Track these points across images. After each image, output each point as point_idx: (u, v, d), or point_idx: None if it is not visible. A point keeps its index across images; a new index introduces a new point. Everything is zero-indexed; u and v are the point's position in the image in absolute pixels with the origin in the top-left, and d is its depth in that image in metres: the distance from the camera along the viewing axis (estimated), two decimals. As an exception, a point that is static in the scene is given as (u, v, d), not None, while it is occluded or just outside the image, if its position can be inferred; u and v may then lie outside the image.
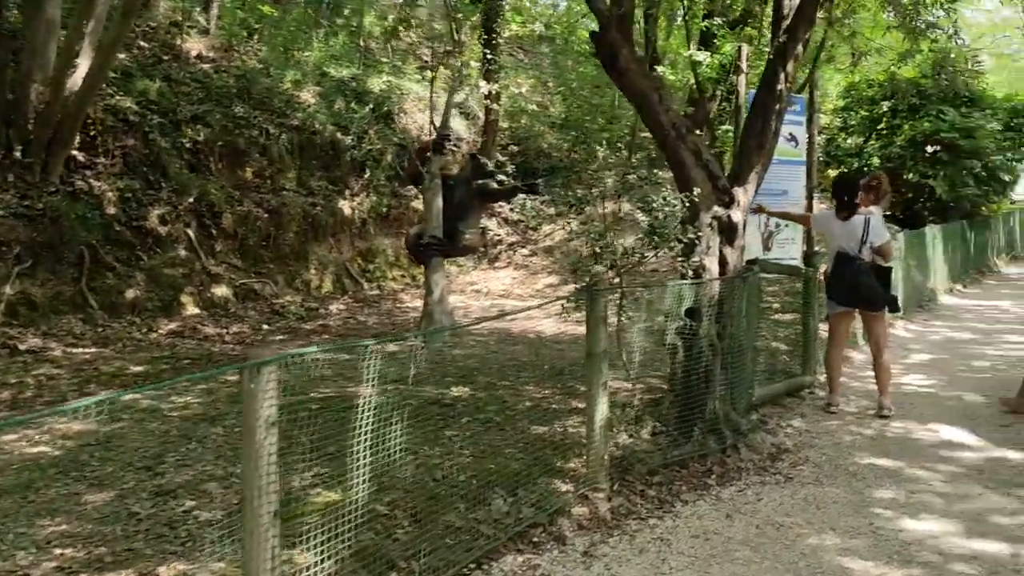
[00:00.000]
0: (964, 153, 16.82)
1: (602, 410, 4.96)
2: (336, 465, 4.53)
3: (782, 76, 5.98)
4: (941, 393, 8.15)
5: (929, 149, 17.36)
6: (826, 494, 5.35)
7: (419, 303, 12.74)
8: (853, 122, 20.10)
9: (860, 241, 7.18)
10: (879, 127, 19.56)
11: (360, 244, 14.16)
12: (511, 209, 16.80)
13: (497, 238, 16.16)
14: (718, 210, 5.91)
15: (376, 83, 17.04)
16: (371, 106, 15.99)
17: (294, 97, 15.01)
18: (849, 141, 21.14)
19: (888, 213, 19.40)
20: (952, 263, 16.16)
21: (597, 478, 4.98)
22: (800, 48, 6.05)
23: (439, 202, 9.95)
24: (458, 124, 17.86)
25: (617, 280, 5.73)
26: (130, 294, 10.59)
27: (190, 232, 11.67)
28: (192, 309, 11.14)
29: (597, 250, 5.68)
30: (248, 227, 12.36)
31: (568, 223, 6.41)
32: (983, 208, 18.39)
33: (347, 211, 13.94)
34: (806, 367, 8.22)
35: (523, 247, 16.03)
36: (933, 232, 14.59)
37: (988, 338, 11.25)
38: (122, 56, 13.11)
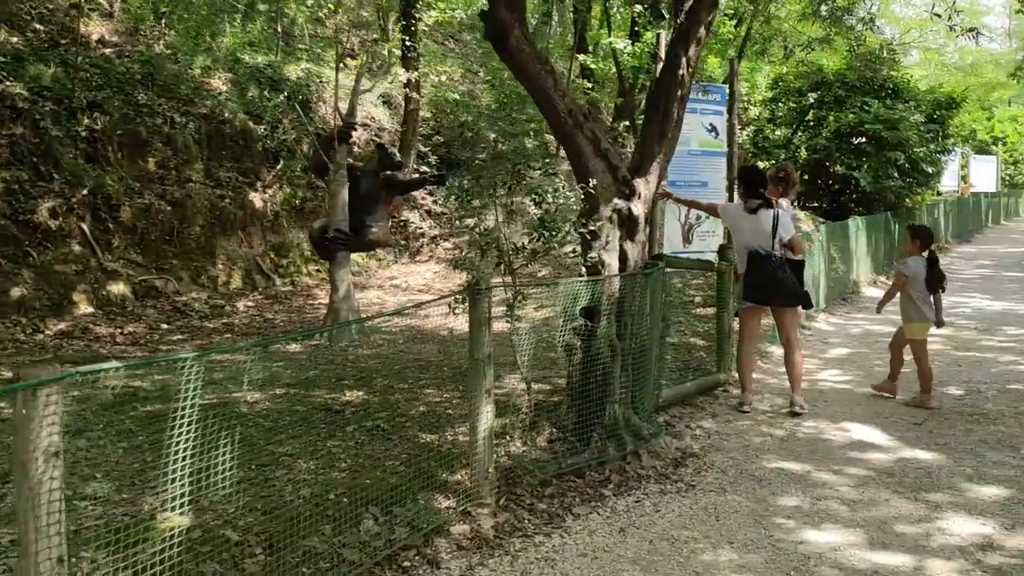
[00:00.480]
0: (888, 145, 16.85)
1: (486, 419, 4.59)
2: (187, 485, 4.08)
3: (684, 60, 5.65)
4: (856, 390, 7.97)
5: (854, 141, 17.35)
6: (728, 503, 5.06)
7: (332, 299, 12.28)
8: (781, 113, 20.06)
9: (771, 236, 6.94)
10: (806, 119, 19.55)
11: (272, 238, 13.57)
12: (434, 201, 16.35)
13: (420, 231, 15.70)
14: (618, 203, 5.58)
15: (294, 70, 16.43)
16: (286, 94, 15.36)
17: (204, 84, 14.33)
18: (778, 133, 21.13)
19: (815, 204, 19.47)
20: (876, 255, 16.18)
21: (481, 492, 4.61)
22: (703, 31, 5.73)
23: (344, 194, 9.49)
24: (380, 114, 17.38)
25: (508, 278, 5.35)
26: (15, 292, 9.90)
27: (84, 226, 10.99)
28: (86, 308, 10.48)
29: (483, 246, 5.29)
30: (149, 221, 11.71)
31: (465, 218, 5.92)
32: (907, 200, 18.47)
33: (258, 203, 13.36)
34: (721, 364, 7.97)
35: (446, 240, 15.59)
36: (856, 224, 14.54)
37: (908, 331, 11.16)
38: (14, 40, 12.36)
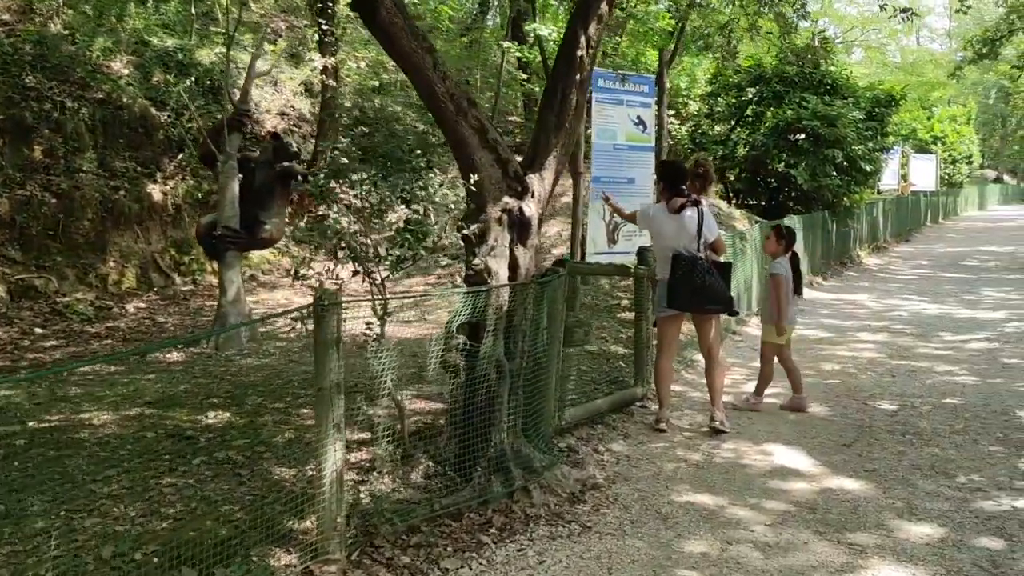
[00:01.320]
0: (826, 142, 16.41)
1: (334, 459, 3.83)
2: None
3: (583, 40, 4.94)
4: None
5: (792, 138, 16.90)
6: (626, 550, 4.38)
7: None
8: (719, 109, 19.57)
9: (696, 237, 6.29)
10: (745, 114, 19.09)
11: (173, 233, 12.60)
12: (355, 195, 15.44)
13: (339, 226, 14.79)
14: (508, 201, 4.86)
15: (207, 54, 15.45)
16: (194, 79, 14.39)
17: (103, 67, 13.31)
18: (717, 128, 20.65)
19: (753, 203, 18.99)
20: (813, 255, 15.72)
21: (328, 546, 3.86)
22: (605, 7, 5.03)
23: (234, 187, 8.66)
24: (301, 103, 16.47)
25: (370, 289, 4.61)
26: None
27: (-48, 220, 9.98)
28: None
29: (340, 251, 4.56)
30: (31, 214, 10.71)
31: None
32: (845, 198, 18.07)
33: (157, 196, 12.38)
34: (639, 377, 7.31)
35: (365, 236, 14.71)
36: (793, 223, 14.01)
37: (841, 336, 10.66)
38: None
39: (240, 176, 9.05)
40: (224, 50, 15.87)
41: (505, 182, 4.87)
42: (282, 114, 15.68)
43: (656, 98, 10.53)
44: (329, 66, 13.83)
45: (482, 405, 4.73)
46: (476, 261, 4.79)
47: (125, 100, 12.80)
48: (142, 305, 10.93)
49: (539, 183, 4.92)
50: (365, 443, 5.10)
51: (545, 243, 13.64)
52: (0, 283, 10.10)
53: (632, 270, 6.93)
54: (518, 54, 12.95)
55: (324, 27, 13.62)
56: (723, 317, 7.08)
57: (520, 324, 4.86)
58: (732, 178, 18.95)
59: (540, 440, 5.25)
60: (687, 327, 7.81)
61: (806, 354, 9.44)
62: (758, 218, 16.00)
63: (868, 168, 17.84)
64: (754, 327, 11.16)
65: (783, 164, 16.75)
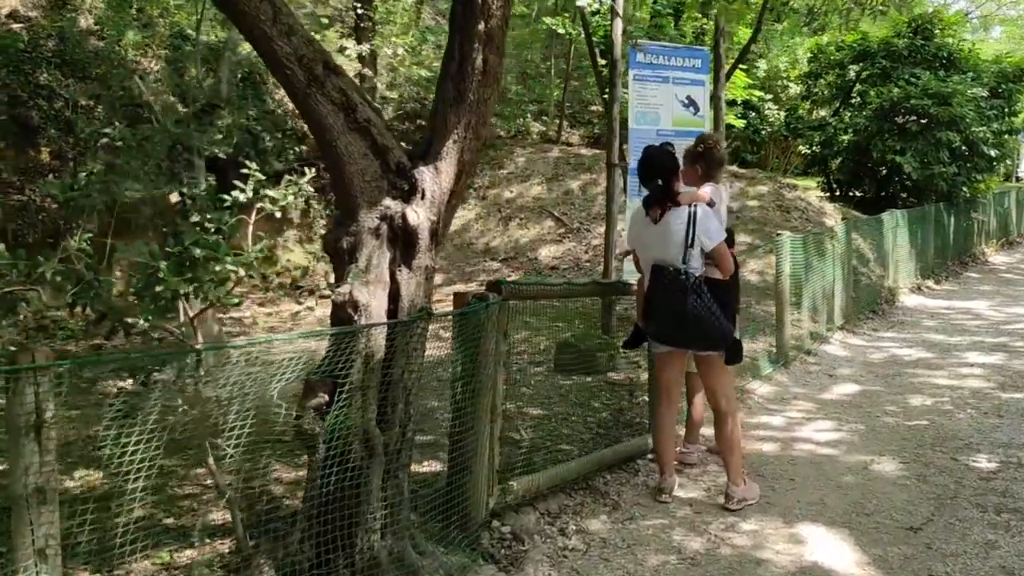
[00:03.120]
0: (939, 124, 14.21)
1: (37, 603, 2.53)
2: None
3: (491, -29, 3.49)
4: (844, 458, 5.70)
5: (899, 120, 14.76)
6: None
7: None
8: (817, 90, 17.50)
9: (684, 245, 4.68)
10: (850, 96, 16.98)
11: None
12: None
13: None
14: (389, 205, 3.46)
15: (249, 48, 14.56)
16: (239, 75, 13.51)
17: (130, 63, 12.57)
18: (822, 113, 18.59)
19: (856, 195, 16.80)
20: (923, 254, 13.57)
21: None
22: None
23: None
24: None
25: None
26: None
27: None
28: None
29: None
30: (26, 220, 9.97)
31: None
32: (965, 188, 15.71)
33: (174, 199, 11.50)
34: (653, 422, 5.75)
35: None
36: (894, 218, 12.02)
37: (943, 357, 8.73)
38: None
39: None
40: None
41: (386, 179, 3.47)
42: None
43: (711, 74, 8.86)
44: (366, 54, 12.68)
45: (347, 493, 3.34)
46: (339, 289, 3.41)
47: (146, 98, 11.96)
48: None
49: (432, 179, 3.49)
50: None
51: (583, 251, 12.14)
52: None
53: (628, 287, 5.38)
54: (559, 28, 11.45)
55: (360, 10, 12.48)
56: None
57: (403, 379, 3.45)
58: (833, 167, 16.89)
59: (458, 531, 3.83)
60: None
61: (892, 383, 7.65)
62: (856, 213, 13.98)
63: (992, 153, 15.45)
64: (836, 344, 9.36)
65: (886, 151, 14.62)
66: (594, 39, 10.69)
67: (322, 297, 11.71)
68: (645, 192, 4.82)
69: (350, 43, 12.99)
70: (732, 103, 17.91)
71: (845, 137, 15.98)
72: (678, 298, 4.56)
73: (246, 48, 14.67)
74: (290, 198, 4.17)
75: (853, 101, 16.90)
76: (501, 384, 4.19)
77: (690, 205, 4.63)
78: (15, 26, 12.02)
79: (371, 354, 3.37)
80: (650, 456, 5.57)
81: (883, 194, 16.04)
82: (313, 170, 5.37)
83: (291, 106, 14.31)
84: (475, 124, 3.54)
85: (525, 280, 4.06)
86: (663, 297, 4.60)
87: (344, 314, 3.39)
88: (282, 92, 14.51)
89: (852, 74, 16.63)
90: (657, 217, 4.62)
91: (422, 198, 3.46)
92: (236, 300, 3.63)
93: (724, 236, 4.85)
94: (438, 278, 12.26)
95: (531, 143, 15.71)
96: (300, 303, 11.30)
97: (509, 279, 5.98)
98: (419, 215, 3.43)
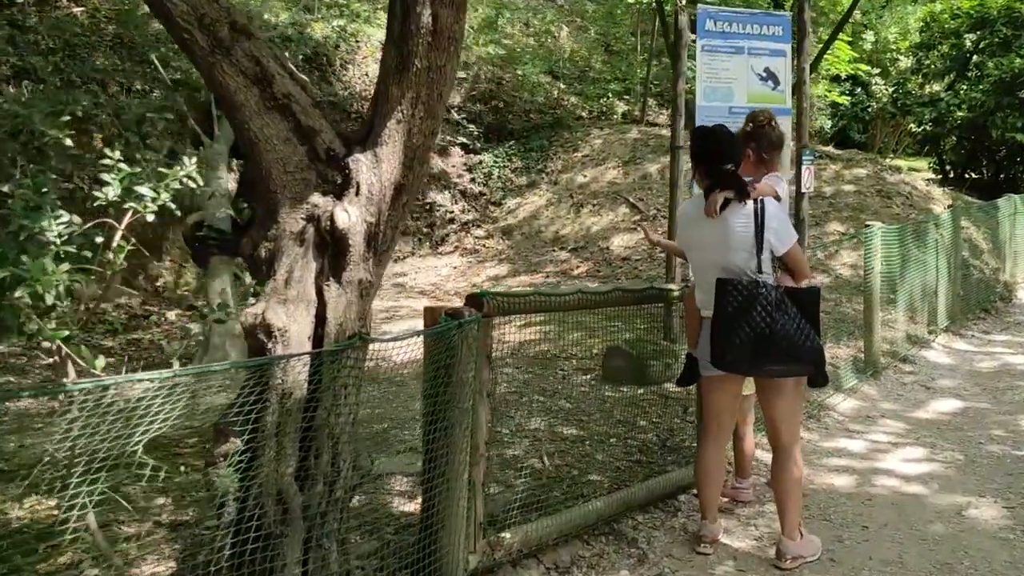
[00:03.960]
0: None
1: None
2: None
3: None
4: (934, 498, 4.74)
5: (1022, 95, 13.24)
6: None
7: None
8: (928, 62, 15.97)
9: (753, 251, 3.82)
10: (967, 68, 15.42)
11: (249, 227, 11.29)
12: (472, 179, 13.62)
13: (449, 215, 13.03)
14: (317, 203, 2.74)
15: (320, 29, 14.12)
16: (299, 56, 13.08)
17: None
18: (935, 87, 17.03)
19: (974, 176, 15.25)
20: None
21: None
22: None
23: (222, 177, 7.00)
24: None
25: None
26: None
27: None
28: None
29: None
30: (74, 209, 9.65)
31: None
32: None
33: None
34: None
35: (478, 227, 12.86)
36: (1012, 204, 10.66)
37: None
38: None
39: (239, 165, 7.43)
40: (339, 23, 14.56)
41: (313, 169, 2.76)
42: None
43: (795, 43, 7.82)
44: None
45: (257, 568, 2.65)
46: (250, 309, 2.71)
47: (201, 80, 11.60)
48: (187, 314, 9.62)
49: (370, 169, 2.75)
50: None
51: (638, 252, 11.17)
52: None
53: (666, 293, 4.51)
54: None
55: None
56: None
57: (329, 423, 2.73)
58: (946, 147, 15.40)
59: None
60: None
61: (1002, 398, 6.60)
62: (969, 198, 12.58)
63: None
64: (938, 349, 8.23)
65: (1009, 128, 13.13)
66: (666, 8, 9.72)
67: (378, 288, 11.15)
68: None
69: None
70: (836, 79, 16.57)
71: (960, 114, 14.50)
72: (763, 316, 3.68)
73: (316, 29, 14.27)
74: (166, 195, 3.46)
75: (969, 74, 15.36)
76: (484, 420, 3.43)
77: (756, 200, 3.77)
78: (76, 10, 11.81)
79: (288, 392, 2.67)
80: (694, 491, 4.72)
81: (1002, 177, 14.52)
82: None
83: (359, 88, 13.83)
84: (426, 99, 2.77)
85: (515, 292, 3.22)
86: (740, 317, 3.71)
87: (255, 341, 2.69)
88: (351, 73, 14.03)
89: (969, 44, 15.10)
90: (715, 208, 3.75)
91: (356, 193, 2.73)
92: (65, 334, 2.96)
93: (796, 237, 3.98)
94: (502, 268, 11.55)
95: (611, 124, 14.78)
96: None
97: (542, 282, 5.19)
98: (351, 215, 2.69)
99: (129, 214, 3.35)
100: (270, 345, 2.67)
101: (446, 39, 2.73)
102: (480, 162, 13.73)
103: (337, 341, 2.71)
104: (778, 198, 4.04)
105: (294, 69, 2.79)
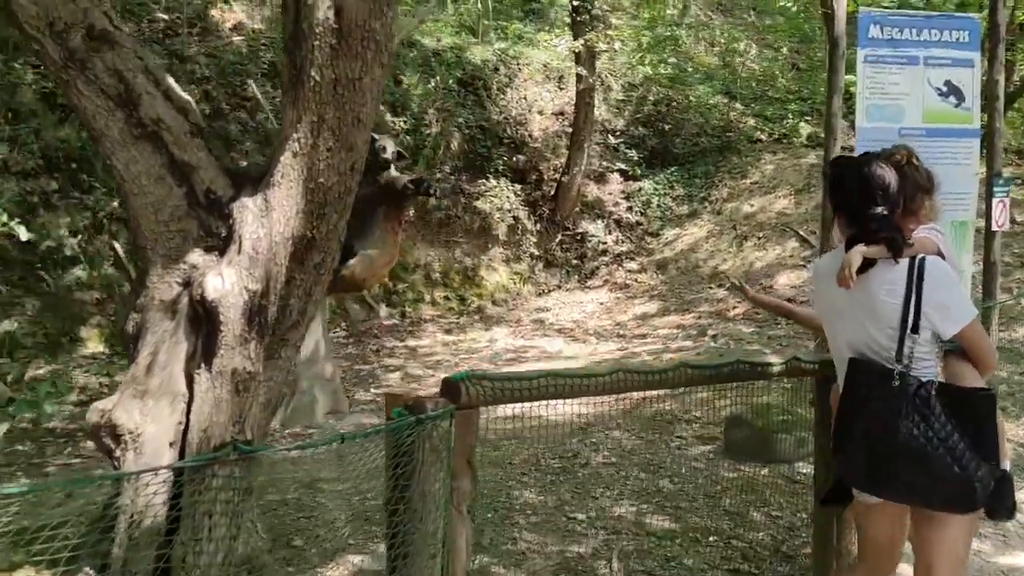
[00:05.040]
0: None
1: None
2: None
3: None
4: None
5: None
6: None
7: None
8: None
9: (899, 329, 2.75)
10: None
11: (388, 257, 10.96)
12: (629, 208, 12.70)
13: (602, 246, 12.17)
14: (196, 262, 2.05)
15: (480, 53, 13.72)
16: (451, 80, 12.72)
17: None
18: None
19: None
20: None
21: None
22: None
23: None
24: (544, 97, 13.86)
25: None
26: (5, 326, 8.27)
27: (117, 244, 9.15)
28: (95, 347, 8.63)
29: None
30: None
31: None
32: None
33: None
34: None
35: (632, 259, 11.92)
36: None
37: None
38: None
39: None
40: (501, 46, 14.10)
41: (194, 216, 2.07)
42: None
43: (986, 52, 6.47)
44: (581, 50, 11.24)
45: None
46: (97, 404, 2.05)
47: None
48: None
49: (257, 219, 2.02)
50: None
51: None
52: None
53: (763, 369, 3.47)
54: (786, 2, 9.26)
55: (576, 1, 11.11)
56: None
57: (184, 565, 2.01)
58: None
59: None
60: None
61: None
62: None
63: None
64: None
65: None
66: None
67: (517, 324, 10.48)
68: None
69: (563, 38, 11.69)
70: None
71: None
72: (892, 418, 2.67)
73: (474, 53, 13.88)
74: None
75: None
76: (464, 542, 2.61)
77: (911, 255, 2.76)
78: (236, 39, 11.99)
79: (140, 518, 1.97)
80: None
81: None
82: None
83: (515, 112, 13.29)
84: (334, 123, 2.01)
85: (512, 375, 2.40)
86: (862, 416, 2.73)
87: (100, 445, 2.02)
88: (508, 96, 13.51)
89: None
90: (849, 280, 2.75)
91: (239, 251, 2.00)
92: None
93: (976, 313, 2.86)
94: (652, 306, 10.59)
95: (788, 147, 13.43)
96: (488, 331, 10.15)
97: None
98: (225, 281, 1.98)
99: None
100: (118, 452, 2.00)
101: (359, 41, 1.97)
102: (639, 189, 12.81)
103: (199, 452, 1.99)
104: (942, 256, 2.98)
105: (174, 86, 2.11)
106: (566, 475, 5.18)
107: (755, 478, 5.12)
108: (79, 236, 8.96)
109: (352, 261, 6.52)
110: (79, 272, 8.96)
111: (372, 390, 7.79)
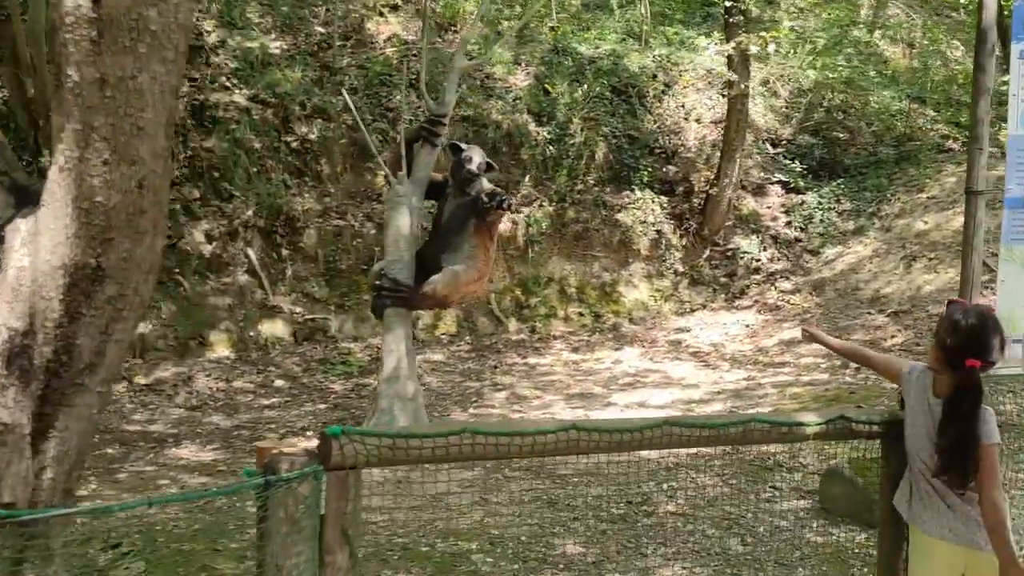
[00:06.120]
0: None
1: None
2: None
3: None
4: None
5: None
6: None
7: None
8: None
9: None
10: None
11: (521, 269, 10.65)
12: (788, 223, 11.74)
13: (755, 264, 11.31)
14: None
15: (639, 59, 13.20)
16: (604, 87, 12.30)
17: (500, 82, 12.06)
18: None
19: None
20: None
21: None
22: None
23: (401, 222, 6.31)
24: (699, 103, 13.00)
25: None
26: (140, 329, 8.64)
27: (251, 252, 9.41)
28: (223, 351, 8.86)
29: None
30: (339, 246, 9.75)
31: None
32: None
33: (505, 224, 10.57)
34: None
35: (786, 279, 10.98)
36: None
37: None
38: (277, 44, 11.33)
39: (432, 206, 6.77)
40: (660, 52, 13.50)
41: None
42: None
43: None
44: (733, 54, 10.48)
45: None
46: None
47: (498, 116, 11.27)
48: (435, 357, 9.18)
49: (25, 243, 1.73)
50: None
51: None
52: (287, 323, 9.24)
53: (782, 430, 2.85)
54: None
55: (729, 1, 10.37)
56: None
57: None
58: None
59: None
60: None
61: None
62: None
63: None
64: None
65: None
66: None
67: (651, 344, 9.88)
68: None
69: (712, 42, 10.94)
70: None
71: None
72: None
73: (632, 60, 13.35)
74: None
75: None
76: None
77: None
78: (390, 51, 12.12)
79: None
80: None
81: None
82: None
83: (670, 121, 12.67)
84: (108, 132, 1.67)
85: (405, 431, 1.98)
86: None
87: None
88: (665, 104, 12.88)
89: None
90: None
91: (2, 282, 1.72)
92: None
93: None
94: (800, 332, 9.66)
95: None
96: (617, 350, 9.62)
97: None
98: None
99: None
100: None
101: (127, 33, 1.63)
102: (801, 202, 11.82)
103: None
104: None
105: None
106: (624, 524, 4.63)
107: (846, 546, 4.38)
108: (214, 243, 9.25)
109: (435, 277, 6.33)
110: (213, 278, 9.25)
111: (472, 409, 7.50)
